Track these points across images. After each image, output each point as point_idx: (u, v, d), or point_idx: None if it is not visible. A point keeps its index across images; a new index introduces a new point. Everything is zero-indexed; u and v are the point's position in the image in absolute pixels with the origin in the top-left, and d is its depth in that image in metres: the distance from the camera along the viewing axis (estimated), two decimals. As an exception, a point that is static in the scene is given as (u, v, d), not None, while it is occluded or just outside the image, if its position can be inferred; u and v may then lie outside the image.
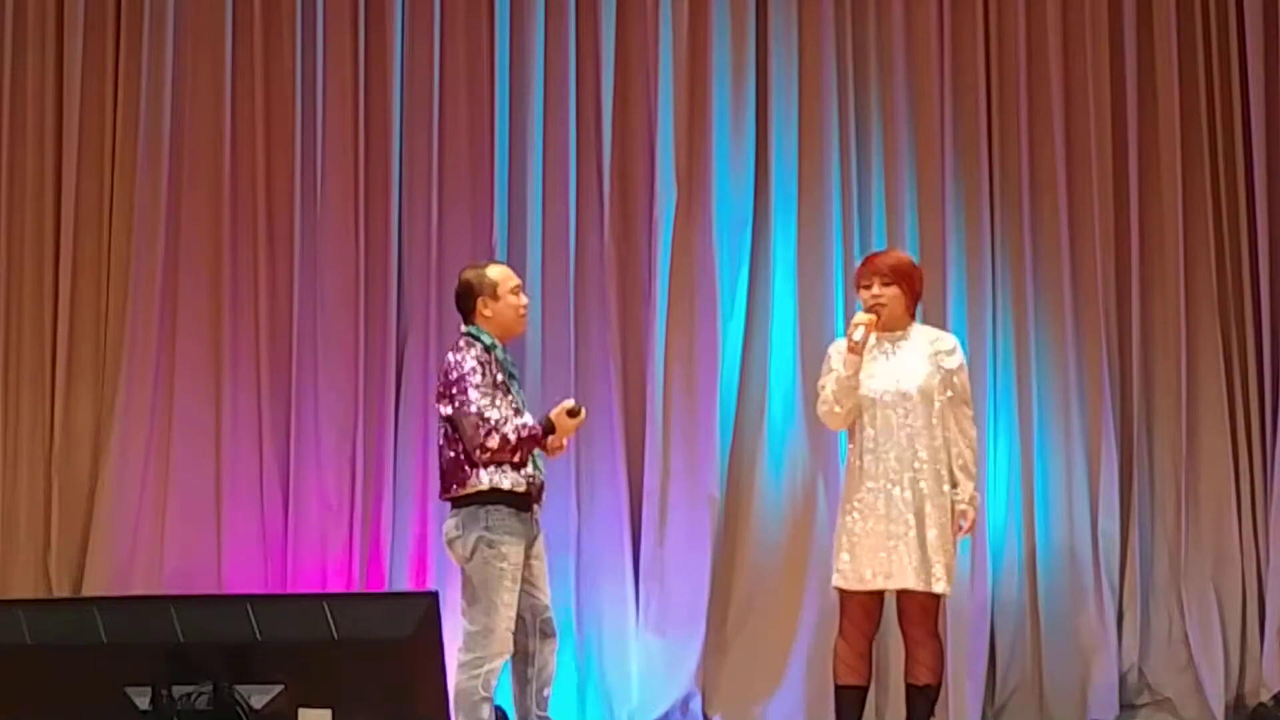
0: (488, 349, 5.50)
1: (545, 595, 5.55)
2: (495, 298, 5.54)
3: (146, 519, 7.02)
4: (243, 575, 6.93)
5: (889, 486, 5.58)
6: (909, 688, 5.69)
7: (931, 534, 5.54)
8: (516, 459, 5.42)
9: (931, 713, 5.69)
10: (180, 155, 7.15)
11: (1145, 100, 7.08)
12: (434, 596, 3.94)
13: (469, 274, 5.64)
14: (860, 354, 5.59)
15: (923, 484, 5.56)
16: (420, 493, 7.00)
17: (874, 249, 7.06)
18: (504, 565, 5.37)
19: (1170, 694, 6.81)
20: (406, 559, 6.97)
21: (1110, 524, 6.88)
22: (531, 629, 5.50)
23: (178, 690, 3.78)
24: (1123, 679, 6.84)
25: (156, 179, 7.11)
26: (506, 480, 5.42)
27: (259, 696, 3.80)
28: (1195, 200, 7.05)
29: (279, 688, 3.80)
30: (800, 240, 7.06)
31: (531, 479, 5.48)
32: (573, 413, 5.50)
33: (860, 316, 5.64)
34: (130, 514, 7.02)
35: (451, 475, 5.47)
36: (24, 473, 7.09)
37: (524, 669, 5.51)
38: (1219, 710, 6.71)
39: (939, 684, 5.69)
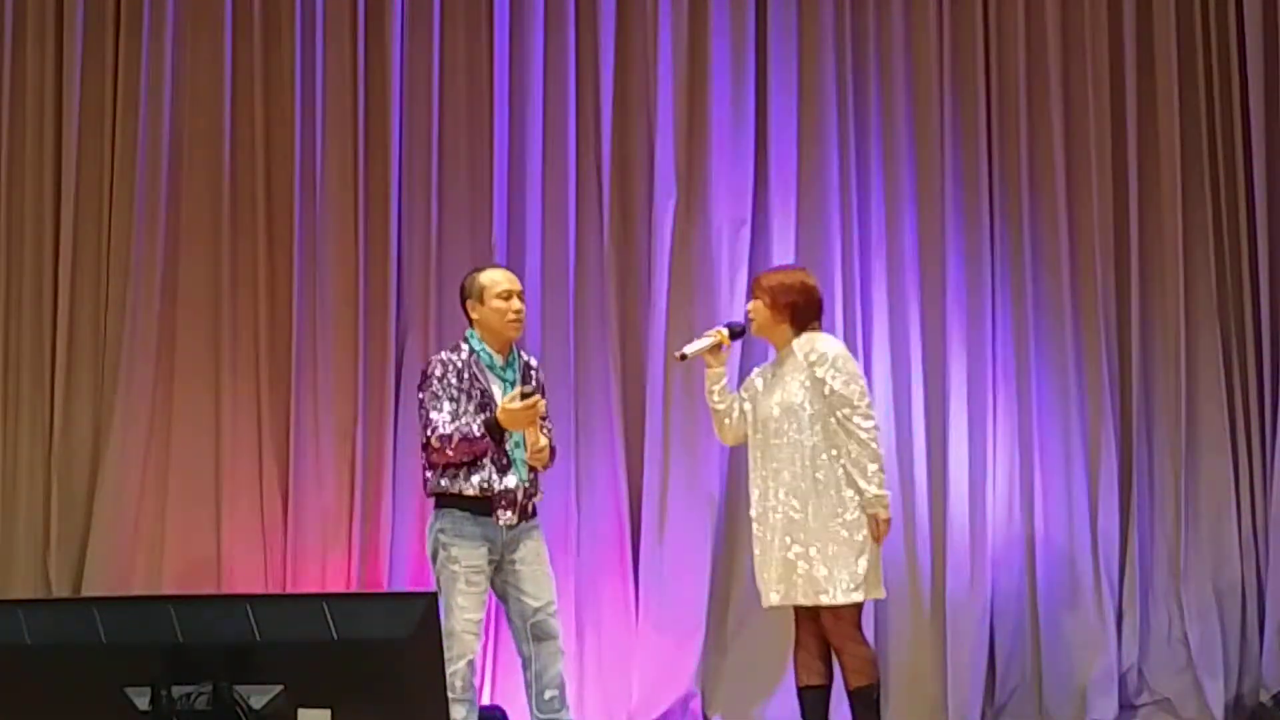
0: (471, 352, 5.48)
1: (537, 599, 5.44)
2: (482, 301, 5.50)
3: (146, 519, 7.03)
4: (242, 575, 6.93)
5: (775, 505, 5.62)
6: (847, 694, 5.70)
7: (816, 548, 5.54)
8: (455, 458, 5.34)
9: (878, 712, 5.70)
10: (180, 155, 7.16)
11: (1145, 101, 7.08)
12: (434, 597, 3.92)
13: (466, 278, 5.64)
14: (712, 367, 5.74)
15: (808, 499, 5.56)
16: (420, 493, 6.97)
17: (873, 248, 7.10)
18: (455, 568, 5.37)
19: (1170, 694, 6.82)
20: (406, 559, 6.97)
21: (1110, 524, 6.89)
22: (523, 634, 5.47)
23: (177, 690, 3.76)
24: (1122, 679, 6.85)
25: (156, 179, 7.11)
26: (467, 486, 5.39)
27: (259, 697, 3.78)
28: (1194, 200, 7.06)
29: (279, 688, 3.78)
30: (800, 240, 7.06)
31: (489, 487, 5.37)
32: (524, 395, 5.33)
33: (712, 330, 5.77)
34: (130, 514, 7.02)
35: (425, 475, 5.53)
36: (24, 473, 7.09)
37: (526, 674, 5.49)
38: (1218, 710, 6.72)
39: (873, 684, 5.67)
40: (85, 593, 6.83)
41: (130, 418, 7.03)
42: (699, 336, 5.84)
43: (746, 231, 7.09)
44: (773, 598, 5.65)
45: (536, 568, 5.47)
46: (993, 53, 7.17)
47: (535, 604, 5.45)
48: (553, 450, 5.59)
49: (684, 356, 5.77)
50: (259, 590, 6.81)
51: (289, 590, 6.84)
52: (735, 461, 6.97)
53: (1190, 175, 7.06)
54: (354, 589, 6.84)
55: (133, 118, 7.15)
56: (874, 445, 5.61)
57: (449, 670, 5.30)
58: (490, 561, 5.40)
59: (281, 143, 7.15)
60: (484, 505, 5.39)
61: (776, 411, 5.65)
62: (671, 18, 7.13)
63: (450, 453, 5.35)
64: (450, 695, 5.31)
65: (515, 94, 7.15)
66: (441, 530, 5.42)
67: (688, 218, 7.09)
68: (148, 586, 6.88)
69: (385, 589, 6.83)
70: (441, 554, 5.41)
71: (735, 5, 7.14)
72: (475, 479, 5.38)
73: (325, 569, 6.95)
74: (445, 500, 5.44)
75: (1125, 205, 7.06)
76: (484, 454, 5.37)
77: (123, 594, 6.55)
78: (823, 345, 5.71)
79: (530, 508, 5.49)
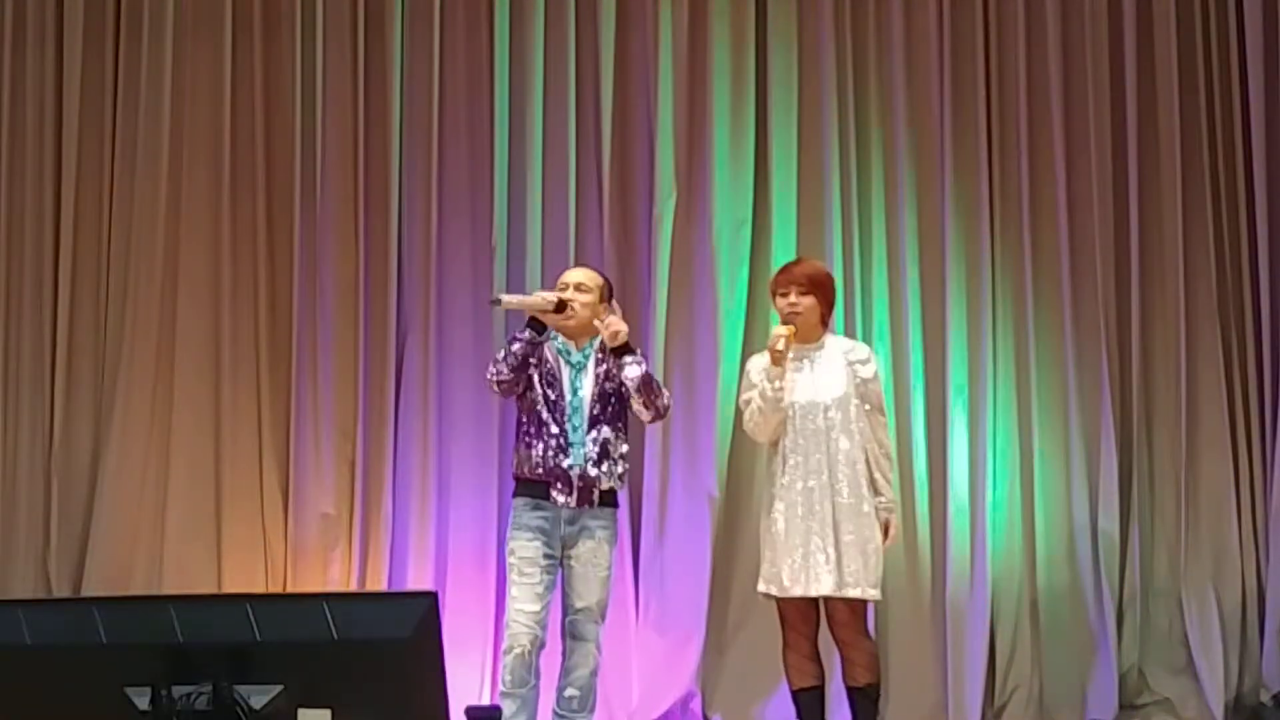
0: (552, 339, 5.71)
1: (580, 599, 5.60)
2: None
3: (146, 519, 7.03)
4: (242, 575, 6.93)
5: (805, 495, 5.61)
6: (849, 690, 5.70)
7: (847, 540, 5.56)
8: (511, 370, 5.55)
9: (876, 710, 5.72)
10: (180, 155, 7.15)
11: (1145, 101, 7.08)
12: (434, 597, 3.92)
13: None
14: (783, 365, 5.64)
15: (839, 492, 5.58)
16: (420, 493, 7.00)
17: (873, 248, 7.10)
18: (511, 559, 5.61)
19: (1170, 694, 6.82)
20: (406, 559, 6.97)
21: (1110, 524, 6.89)
22: (563, 629, 5.65)
23: (177, 690, 3.76)
24: (1123, 679, 6.85)
25: (156, 179, 7.11)
26: (525, 465, 5.60)
27: (259, 697, 3.78)
28: (1194, 200, 7.06)
29: (279, 688, 3.79)
30: (800, 240, 7.06)
31: (541, 465, 5.55)
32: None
33: (780, 329, 5.69)
34: (130, 514, 7.02)
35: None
36: (24, 473, 7.09)
37: (561, 667, 5.67)
38: (1218, 710, 6.72)
39: (878, 682, 5.72)
40: (85, 593, 6.83)
41: (130, 418, 7.03)
42: (775, 335, 5.70)
43: (746, 231, 7.09)
44: (797, 587, 5.61)
45: (589, 569, 5.61)
46: (993, 53, 7.17)
47: (577, 604, 5.62)
48: (653, 389, 5.65)
49: (782, 355, 5.66)
50: (259, 590, 6.81)
51: (289, 590, 6.84)
52: (735, 461, 6.97)
53: (1190, 175, 7.06)
54: (354, 589, 6.84)
55: (133, 118, 7.15)
56: (892, 451, 5.73)
57: (502, 662, 5.57)
58: (547, 555, 5.57)
59: (281, 142, 7.15)
60: (542, 488, 5.56)
61: (807, 406, 5.65)
62: (672, 18, 7.13)
63: (507, 369, 5.55)
64: (500, 688, 5.58)
65: (515, 94, 7.15)
66: (511, 523, 5.65)
67: (688, 218, 7.08)
68: (148, 586, 6.88)
69: (385, 589, 6.83)
70: (507, 545, 5.64)
71: (735, 5, 7.14)
72: (533, 455, 5.56)
73: (325, 569, 6.95)
74: (516, 487, 5.65)
75: (1125, 205, 7.06)
76: (533, 354, 5.57)
77: (123, 594, 6.55)
78: (863, 347, 5.85)
79: (595, 495, 5.59)
